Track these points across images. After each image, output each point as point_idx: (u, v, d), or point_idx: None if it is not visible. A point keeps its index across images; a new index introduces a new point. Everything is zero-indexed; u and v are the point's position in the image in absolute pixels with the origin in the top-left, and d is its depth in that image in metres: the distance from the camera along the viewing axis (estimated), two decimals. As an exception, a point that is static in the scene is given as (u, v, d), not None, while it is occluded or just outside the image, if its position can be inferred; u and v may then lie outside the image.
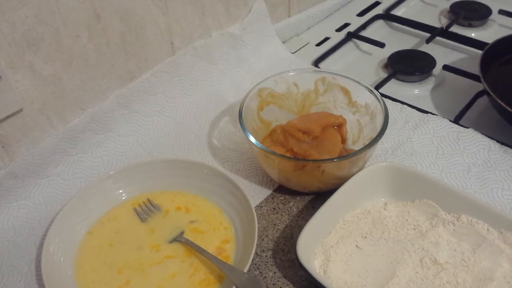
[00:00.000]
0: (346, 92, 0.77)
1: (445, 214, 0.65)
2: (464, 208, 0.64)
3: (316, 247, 0.63)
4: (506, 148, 0.75)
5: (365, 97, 0.75)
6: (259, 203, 0.72)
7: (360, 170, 0.68)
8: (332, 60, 0.98)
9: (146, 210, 0.69)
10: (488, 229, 0.62)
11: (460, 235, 0.63)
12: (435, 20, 1.10)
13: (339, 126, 0.75)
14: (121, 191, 0.71)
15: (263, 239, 0.67)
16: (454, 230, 0.63)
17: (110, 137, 0.78)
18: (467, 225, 0.63)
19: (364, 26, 1.06)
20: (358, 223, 0.66)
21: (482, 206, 0.63)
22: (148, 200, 0.71)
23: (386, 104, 0.72)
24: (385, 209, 0.67)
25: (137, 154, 0.79)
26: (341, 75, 0.77)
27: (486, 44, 0.87)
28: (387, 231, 0.64)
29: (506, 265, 0.59)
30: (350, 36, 1.03)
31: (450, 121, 0.80)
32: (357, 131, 0.76)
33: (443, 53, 0.99)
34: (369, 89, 0.74)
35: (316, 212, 0.63)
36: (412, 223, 0.65)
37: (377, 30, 1.07)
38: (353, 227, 0.65)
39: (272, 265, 0.64)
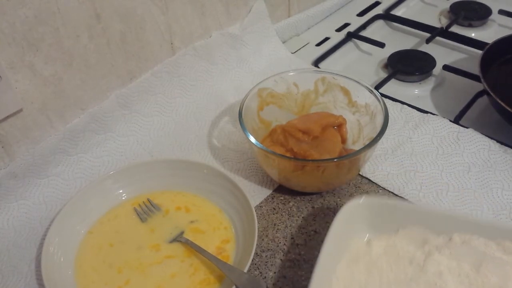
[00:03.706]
0: (346, 92, 0.77)
1: (435, 238, 0.60)
2: (453, 226, 0.59)
3: None
4: (506, 148, 0.75)
5: (365, 97, 0.75)
6: (259, 203, 0.72)
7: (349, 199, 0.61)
8: (332, 60, 0.98)
9: (146, 210, 0.69)
10: (485, 243, 0.58)
11: (458, 257, 0.58)
12: (435, 20, 1.10)
13: (339, 126, 0.75)
14: (121, 191, 0.71)
15: (263, 239, 0.67)
16: (450, 253, 0.58)
17: (110, 137, 0.78)
18: (462, 244, 0.58)
19: (364, 26, 1.06)
20: (352, 276, 0.58)
21: (471, 221, 0.59)
22: (148, 200, 0.71)
23: (386, 104, 0.72)
24: (370, 247, 0.61)
25: (137, 154, 0.79)
26: (341, 75, 0.77)
27: (486, 44, 0.87)
28: (385, 275, 0.58)
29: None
30: (350, 36, 1.03)
31: (450, 121, 0.80)
32: (357, 131, 0.76)
33: (443, 53, 0.99)
34: (369, 89, 0.74)
35: (312, 277, 0.54)
36: (406, 257, 0.59)
37: (377, 30, 1.07)
38: (349, 282, 0.58)
39: (272, 265, 0.64)
